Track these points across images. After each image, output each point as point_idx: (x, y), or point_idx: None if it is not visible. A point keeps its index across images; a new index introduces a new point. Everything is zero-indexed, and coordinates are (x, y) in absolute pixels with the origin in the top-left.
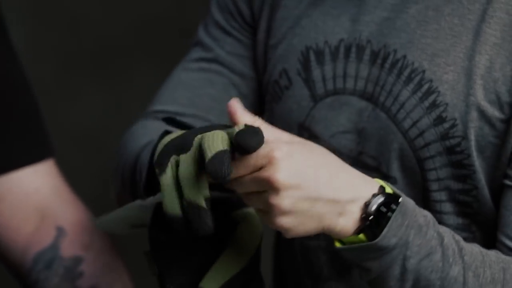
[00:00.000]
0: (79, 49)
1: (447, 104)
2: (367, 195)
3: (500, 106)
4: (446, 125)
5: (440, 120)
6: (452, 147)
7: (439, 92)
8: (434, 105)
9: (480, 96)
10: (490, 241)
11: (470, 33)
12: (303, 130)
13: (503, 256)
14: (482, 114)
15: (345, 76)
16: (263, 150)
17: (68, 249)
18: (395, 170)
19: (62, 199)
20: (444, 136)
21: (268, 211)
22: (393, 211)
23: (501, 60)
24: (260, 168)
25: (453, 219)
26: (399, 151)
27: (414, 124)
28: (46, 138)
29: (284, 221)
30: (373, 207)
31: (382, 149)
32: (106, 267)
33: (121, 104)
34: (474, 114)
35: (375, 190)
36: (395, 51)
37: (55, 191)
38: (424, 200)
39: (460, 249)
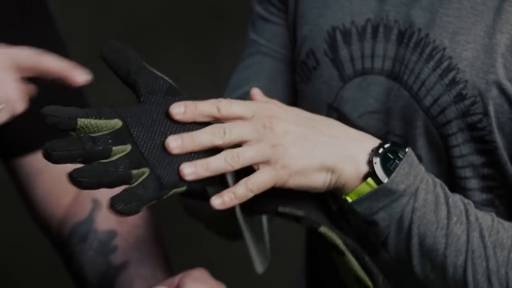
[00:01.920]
0: (108, 28)
1: (466, 81)
2: (374, 144)
3: None
4: (467, 102)
5: (460, 97)
6: (474, 123)
7: (458, 69)
8: (453, 82)
9: (500, 74)
10: None
11: (491, 12)
12: (332, 111)
13: None
14: (503, 92)
15: (373, 56)
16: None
17: (103, 222)
18: (421, 147)
19: None
20: (465, 113)
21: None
22: (400, 159)
23: None
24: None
25: (478, 195)
26: (423, 129)
27: (435, 101)
28: (84, 107)
29: (290, 149)
30: (380, 150)
31: (407, 128)
32: (140, 242)
33: None
34: (494, 92)
35: (378, 143)
36: (419, 30)
37: None
38: (450, 178)
39: (466, 210)
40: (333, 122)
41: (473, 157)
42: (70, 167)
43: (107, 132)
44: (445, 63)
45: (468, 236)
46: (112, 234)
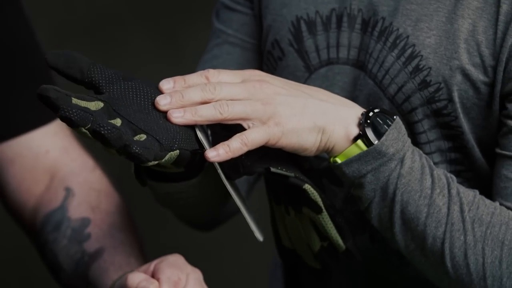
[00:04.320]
0: (72, 17)
1: (430, 68)
2: (362, 109)
3: (484, 69)
4: (431, 89)
5: (424, 84)
6: (439, 110)
7: (422, 56)
8: (417, 69)
9: (464, 59)
10: None
11: None
12: None
13: (499, 205)
14: (467, 77)
15: (338, 45)
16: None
17: (76, 210)
18: None
19: (71, 159)
20: (430, 100)
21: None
22: (388, 125)
23: (483, 23)
24: None
25: None
26: None
27: (400, 89)
28: None
29: (281, 107)
30: (371, 113)
31: None
32: (113, 229)
33: None
34: (458, 78)
35: (367, 108)
36: (383, 18)
37: (64, 151)
38: None
39: (448, 184)
40: (320, 89)
41: (440, 142)
42: (42, 156)
43: (95, 109)
44: (409, 51)
45: (448, 209)
46: (85, 222)
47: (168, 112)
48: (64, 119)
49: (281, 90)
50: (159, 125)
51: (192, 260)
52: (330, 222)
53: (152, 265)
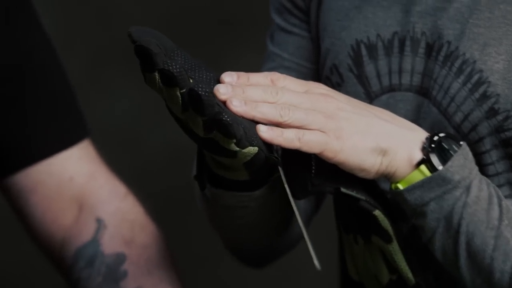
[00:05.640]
0: (111, 42)
1: (498, 95)
2: (426, 133)
3: None
4: (500, 117)
5: (492, 112)
6: (508, 139)
7: (489, 82)
8: (485, 96)
9: None
10: None
11: None
12: None
13: None
14: None
15: (400, 71)
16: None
17: (109, 245)
18: None
19: (99, 185)
20: (499, 129)
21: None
22: (454, 151)
23: None
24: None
25: None
26: None
27: (466, 117)
28: (79, 119)
29: (344, 123)
30: (435, 138)
31: None
32: (151, 265)
33: (153, 98)
34: None
35: (432, 132)
36: (449, 42)
37: (91, 177)
38: None
39: None
40: (385, 110)
41: (509, 174)
42: (67, 183)
43: None
44: (476, 77)
45: None
46: (120, 258)
47: (228, 100)
48: (165, 74)
49: (345, 106)
50: (242, 119)
51: None
52: (400, 253)
53: None
